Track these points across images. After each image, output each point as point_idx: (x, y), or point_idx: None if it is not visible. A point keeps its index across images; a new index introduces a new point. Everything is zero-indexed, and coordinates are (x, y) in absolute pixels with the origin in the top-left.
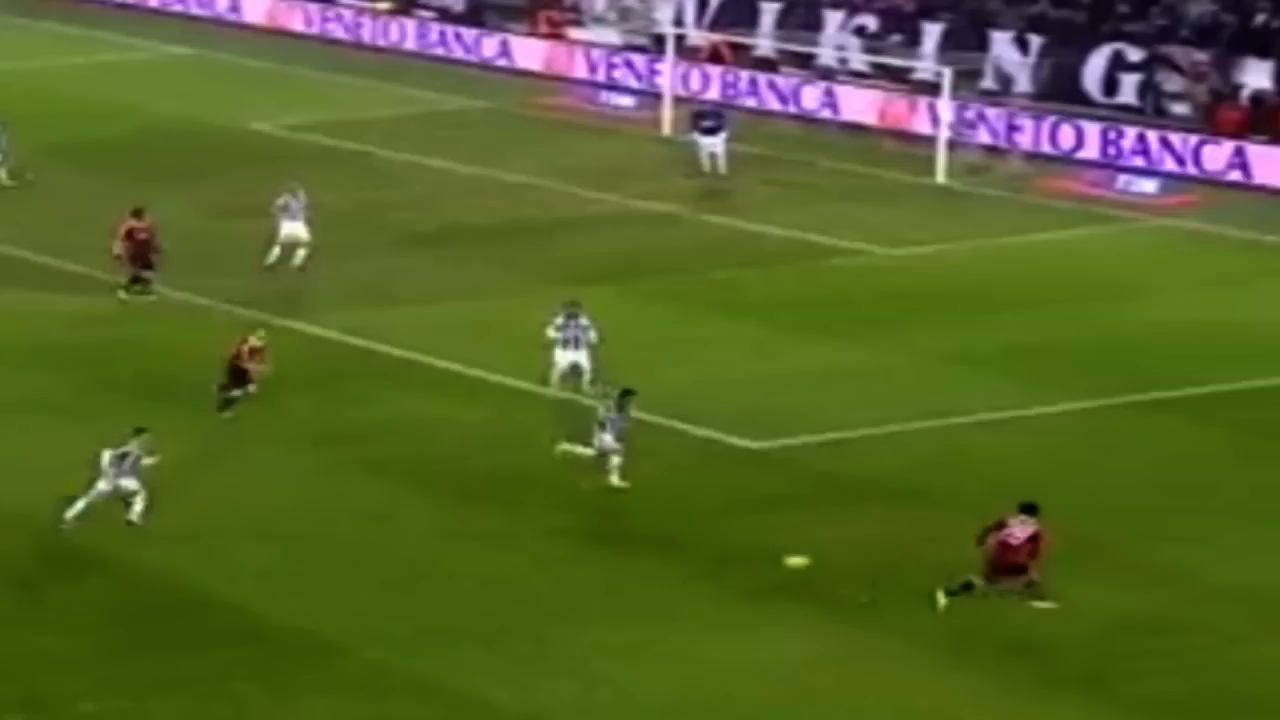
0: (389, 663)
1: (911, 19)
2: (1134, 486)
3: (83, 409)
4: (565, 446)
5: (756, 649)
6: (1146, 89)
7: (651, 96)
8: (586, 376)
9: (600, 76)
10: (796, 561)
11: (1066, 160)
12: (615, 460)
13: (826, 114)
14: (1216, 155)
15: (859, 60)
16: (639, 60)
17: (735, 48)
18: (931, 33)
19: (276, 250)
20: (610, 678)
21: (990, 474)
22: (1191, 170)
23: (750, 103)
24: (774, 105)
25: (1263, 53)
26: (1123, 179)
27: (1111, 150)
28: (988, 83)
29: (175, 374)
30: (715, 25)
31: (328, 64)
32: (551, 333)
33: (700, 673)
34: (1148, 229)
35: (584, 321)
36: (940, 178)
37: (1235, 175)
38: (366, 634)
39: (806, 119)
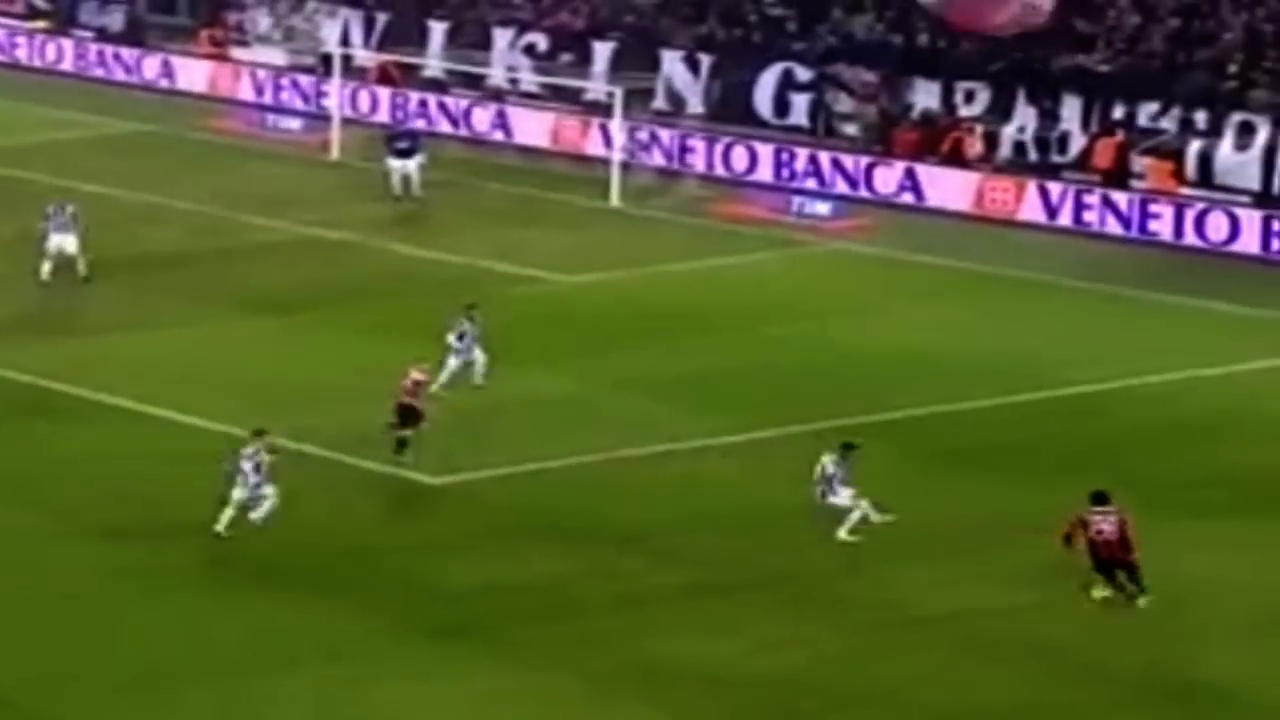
0: (41, 713)
1: (581, 38)
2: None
3: None
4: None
5: (429, 691)
6: (817, 109)
7: (319, 119)
8: (480, 371)
9: (266, 98)
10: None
11: (740, 182)
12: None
13: (499, 136)
14: (888, 177)
15: (530, 81)
16: (305, 81)
17: (404, 68)
18: (602, 52)
19: (47, 265)
20: None
21: (673, 505)
22: (864, 192)
23: (420, 125)
24: (445, 128)
25: (930, 73)
26: (797, 201)
27: (785, 172)
28: (660, 103)
29: None
30: (383, 45)
31: None
32: (451, 339)
33: (372, 717)
34: (822, 253)
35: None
36: (615, 201)
37: (907, 197)
38: (24, 684)
39: (479, 142)
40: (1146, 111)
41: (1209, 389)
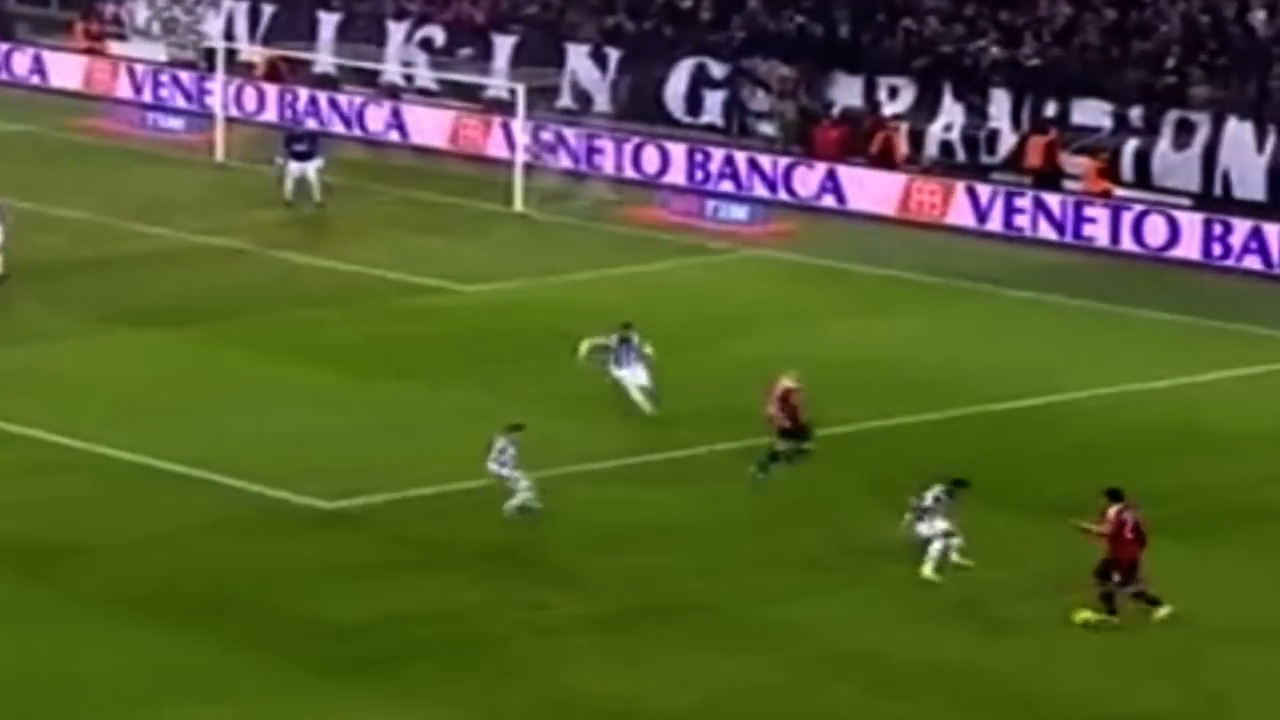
0: None
1: (482, 31)
2: (734, 541)
3: None
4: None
5: None
6: (732, 107)
7: (203, 118)
8: (648, 392)
9: (146, 96)
10: None
11: (652, 185)
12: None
13: (394, 136)
14: (808, 179)
15: (427, 77)
16: (188, 78)
17: (293, 64)
18: (503, 47)
19: None
20: None
21: (581, 530)
22: (783, 195)
23: (311, 124)
24: (338, 127)
25: (851, 68)
26: (711, 205)
27: (699, 174)
28: (565, 101)
29: None
30: (270, 39)
31: None
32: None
33: None
34: (740, 260)
35: (636, 341)
36: (519, 206)
37: (829, 200)
38: None
39: (374, 142)
40: (1079, 108)
41: (1149, 402)
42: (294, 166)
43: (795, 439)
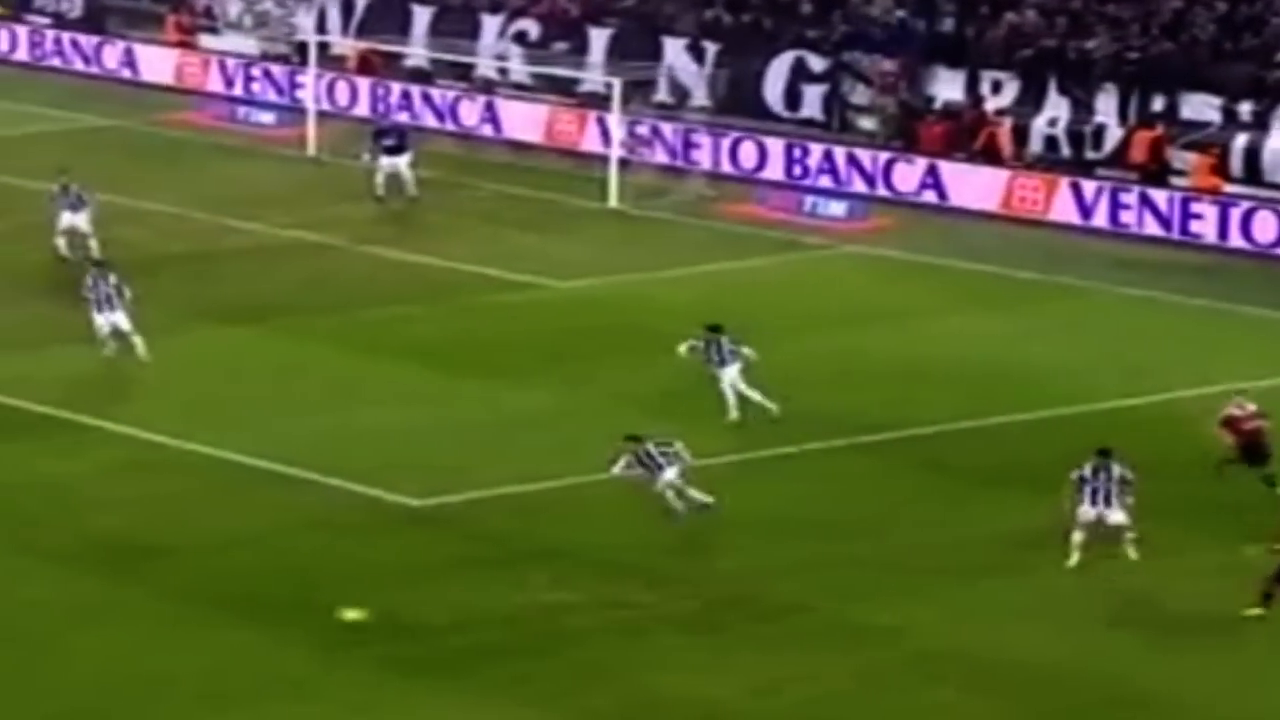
0: None
1: (577, 24)
2: (827, 540)
3: None
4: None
5: None
6: (832, 102)
7: (294, 112)
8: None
9: (238, 90)
10: (353, 615)
11: (749, 180)
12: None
13: (488, 131)
14: (909, 175)
15: (521, 71)
16: (279, 71)
17: (385, 57)
18: (599, 40)
19: (62, 240)
20: None
21: (673, 530)
22: (882, 191)
23: (403, 119)
24: (430, 121)
25: (954, 62)
26: (809, 201)
27: (797, 169)
28: (662, 95)
29: None
30: (363, 32)
31: None
32: (709, 364)
33: None
34: (837, 256)
35: (726, 342)
36: (613, 201)
37: (929, 196)
38: None
39: (467, 137)
40: (1188, 103)
41: (1260, 403)
42: (385, 161)
43: (1253, 464)
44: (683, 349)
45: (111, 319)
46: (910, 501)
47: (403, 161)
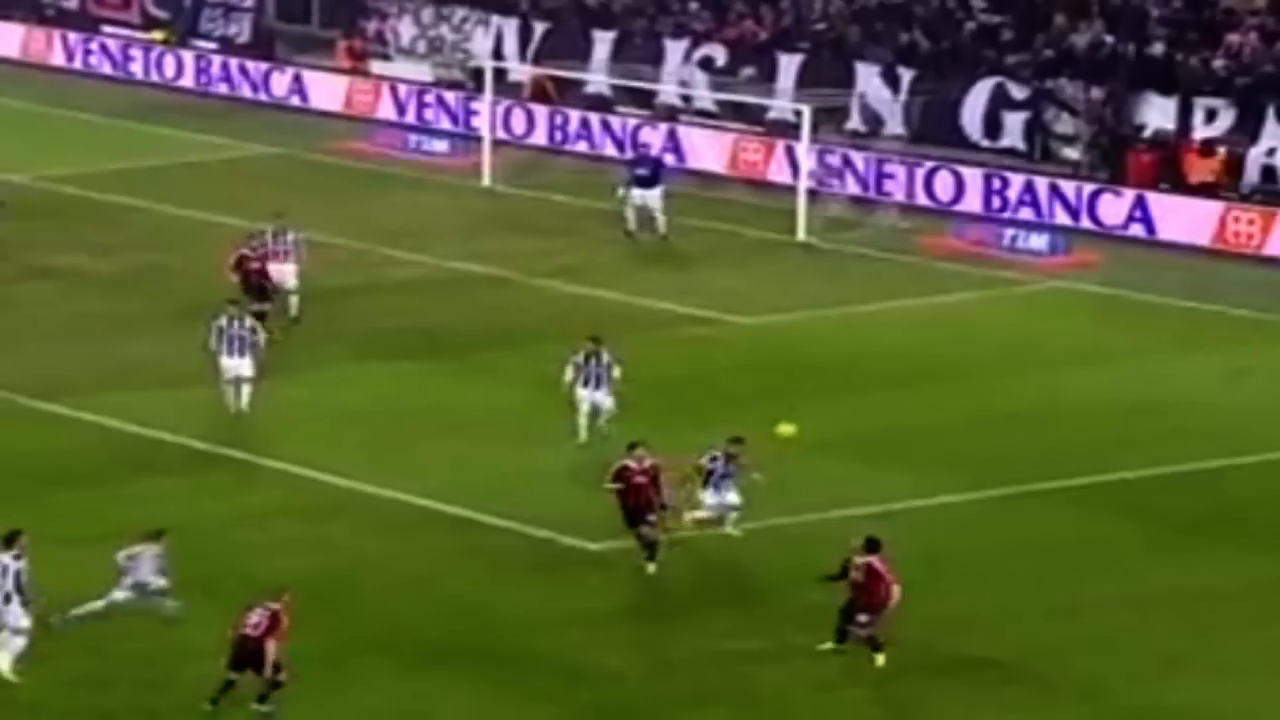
0: None
1: (766, 50)
2: (1027, 590)
3: None
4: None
5: None
6: (1034, 130)
7: (468, 140)
8: (604, 417)
9: (410, 118)
10: (786, 430)
11: (945, 213)
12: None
13: (670, 160)
14: (1115, 206)
15: (706, 98)
16: (453, 98)
17: (563, 84)
18: (788, 66)
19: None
20: None
21: None
22: (1087, 223)
23: (582, 147)
24: (610, 150)
25: (1165, 89)
26: (1009, 234)
27: (996, 201)
28: (854, 123)
29: None
30: (540, 58)
31: (92, 104)
32: (570, 373)
33: None
34: (1037, 292)
35: (605, 359)
36: (801, 234)
37: (1137, 229)
38: None
39: None
40: None
41: None
42: (635, 194)
43: None
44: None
45: (238, 365)
46: (1109, 550)
47: (654, 195)
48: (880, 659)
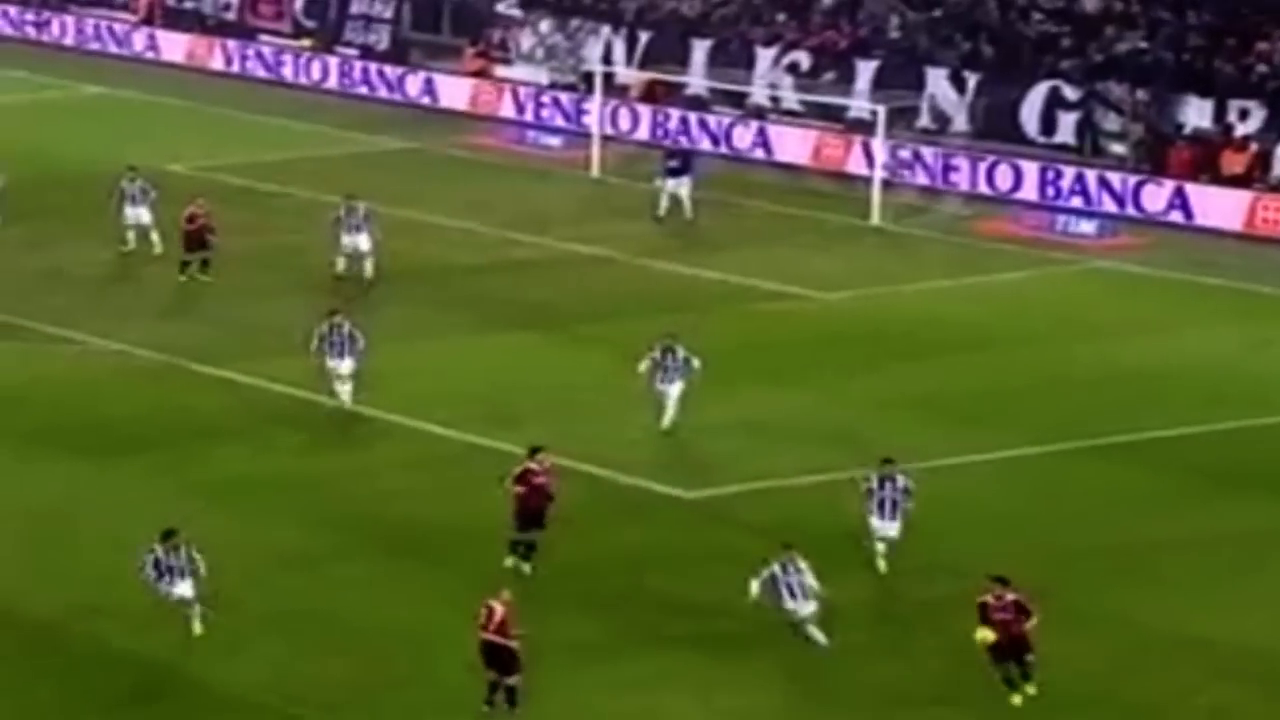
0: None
1: (845, 56)
2: (1076, 534)
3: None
4: None
5: (687, 705)
6: (1084, 128)
7: (580, 136)
8: (673, 412)
9: (528, 116)
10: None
11: (1004, 201)
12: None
13: (759, 154)
14: (1157, 196)
15: (792, 99)
16: (567, 99)
17: (666, 86)
18: (865, 70)
19: (341, 261)
20: None
21: (926, 523)
22: (1131, 211)
23: (681, 143)
24: (705, 145)
25: (1203, 91)
26: (1061, 220)
27: (1050, 191)
28: (924, 122)
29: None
30: (645, 63)
31: (247, 103)
32: (645, 366)
33: None
34: (1086, 271)
35: (681, 354)
36: (875, 219)
37: (1176, 216)
38: (294, 689)
39: (739, 159)
40: None
41: None
42: (670, 183)
43: None
44: (642, 367)
45: (342, 366)
46: (1148, 498)
47: (684, 184)
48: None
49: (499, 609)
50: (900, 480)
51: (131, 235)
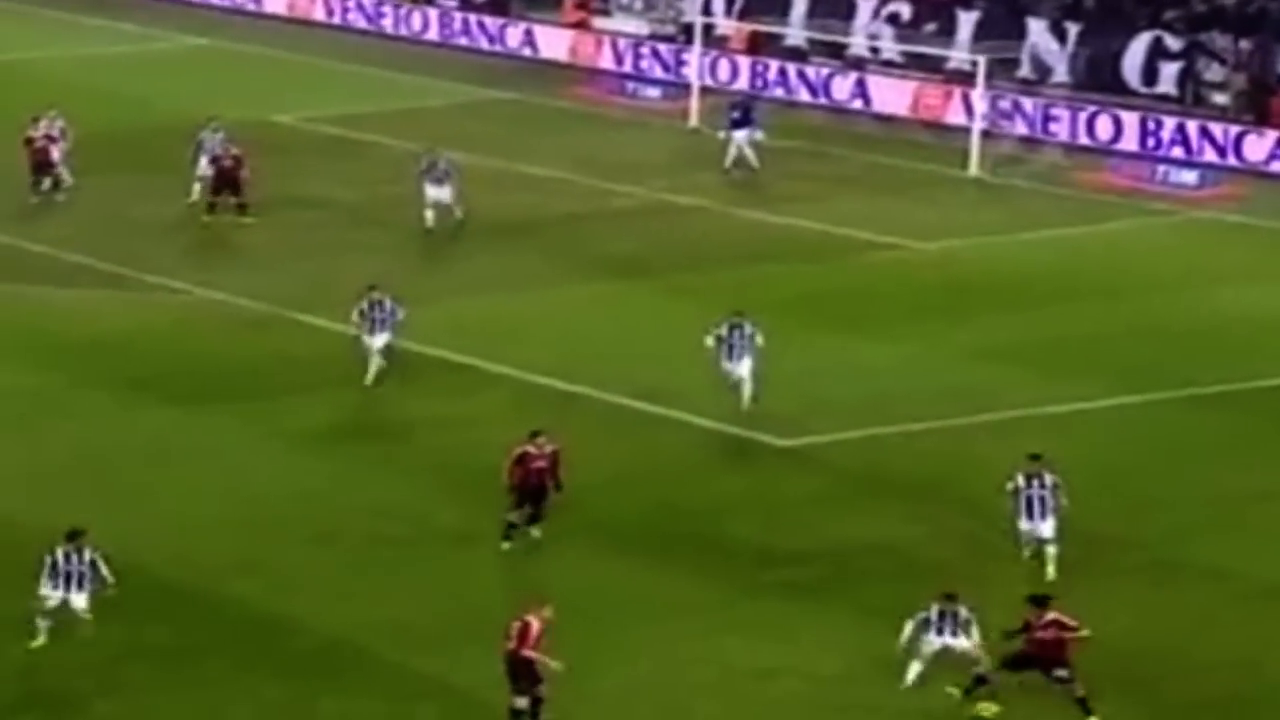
0: (407, 664)
1: (946, 7)
2: (1169, 485)
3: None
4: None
5: (780, 648)
6: (1186, 78)
7: (679, 87)
8: (747, 390)
9: (627, 67)
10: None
11: (1105, 151)
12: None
13: (858, 105)
14: (1258, 146)
15: (891, 50)
16: (666, 50)
17: (765, 37)
18: (966, 21)
19: (430, 214)
20: (656, 682)
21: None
22: (1232, 161)
23: (779, 93)
24: (804, 96)
25: None
26: (1162, 170)
27: (1150, 141)
28: (1024, 72)
29: (167, 370)
30: (745, 14)
31: (349, 55)
32: (711, 342)
33: (732, 677)
34: (1187, 221)
35: (748, 330)
36: (974, 170)
37: (1277, 166)
38: (385, 634)
39: (837, 110)
40: None
41: None
42: (736, 135)
43: None
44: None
45: (380, 340)
46: (1243, 447)
47: (744, 136)
48: None
49: (534, 624)
50: (1048, 478)
51: (197, 188)
